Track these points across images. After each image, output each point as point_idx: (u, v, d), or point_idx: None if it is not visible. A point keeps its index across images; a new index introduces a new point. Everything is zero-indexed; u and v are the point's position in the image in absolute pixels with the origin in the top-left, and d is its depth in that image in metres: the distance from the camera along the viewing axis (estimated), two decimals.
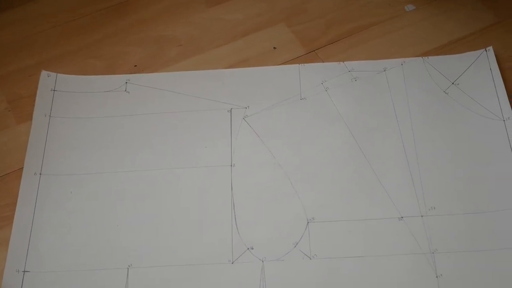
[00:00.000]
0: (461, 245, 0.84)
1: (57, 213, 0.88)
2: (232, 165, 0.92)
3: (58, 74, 1.01)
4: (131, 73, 1.02)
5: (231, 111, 0.96)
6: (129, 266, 0.84)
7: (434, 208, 0.87)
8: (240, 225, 0.87)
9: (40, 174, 0.91)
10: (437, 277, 0.82)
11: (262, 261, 0.84)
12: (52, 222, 0.87)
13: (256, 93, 0.98)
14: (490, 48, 1.00)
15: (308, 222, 0.87)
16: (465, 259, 0.83)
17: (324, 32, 1.05)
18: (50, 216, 0.88)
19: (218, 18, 1.08)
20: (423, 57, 1.00)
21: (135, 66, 1.03)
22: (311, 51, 1.03)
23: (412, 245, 0.84)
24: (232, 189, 0.90)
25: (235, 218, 0.87)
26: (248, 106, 0.97)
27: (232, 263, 0.84)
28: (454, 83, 0.97)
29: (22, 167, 0.92)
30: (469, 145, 0.91)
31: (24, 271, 0.84)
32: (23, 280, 0.83)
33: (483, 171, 0.89)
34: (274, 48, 1.04)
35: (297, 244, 0.85)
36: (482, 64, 0.98)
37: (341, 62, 1.01)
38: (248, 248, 0.85)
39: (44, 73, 1.01)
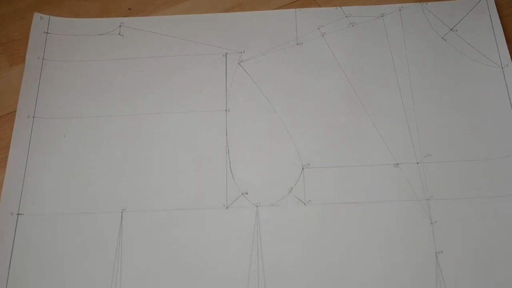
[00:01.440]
0: (457, 192, 0.84)
1: (50, 156, 0.88)
2: (227, 110, 0.91)
3: (51, 17, 0.99)
4: (125, 16, 1.00)
5: (226, 55, 0.95)
6: (123, 210, 0.84)
7: (430, 155, 0.86)
8: (235, 170, 0.86)
9: (33, 117, 0.90)
10: (431, 223, 0.82)
11: (257, 206, 0.84)
12: (45, 165, 0.87)
13: (252, 38, 0.97)
14: None
15: (303, 168, 0.86)
16: (460, 206, 0.83)
17: None
18: (44, 159, 0.87)
19: None
20: (422, 3, 0.99)
21: (129, 9, 1.01)
22: None
23: (407, 191, 0.84)
24: (226, 134, 0.89)
25: (230, 163, 0.87)
26: (244, 51, 0.96)
27: (227, 208, 0.84)
28: (453, 29, 0.96)
29: (15, 110, 0.91)
30: (467, 92, 0.91)
31: (18, 214, 0.84)
32: (16, 222, 0.83)
33: (480, 118, 0.89)
34: None
35: (291, 189, 0.85)
36: (481, 10, 0.97)
37: (338, 7, 0.99)
38: (242, 193, 0.85)
39: (36, 15, 0.99)
